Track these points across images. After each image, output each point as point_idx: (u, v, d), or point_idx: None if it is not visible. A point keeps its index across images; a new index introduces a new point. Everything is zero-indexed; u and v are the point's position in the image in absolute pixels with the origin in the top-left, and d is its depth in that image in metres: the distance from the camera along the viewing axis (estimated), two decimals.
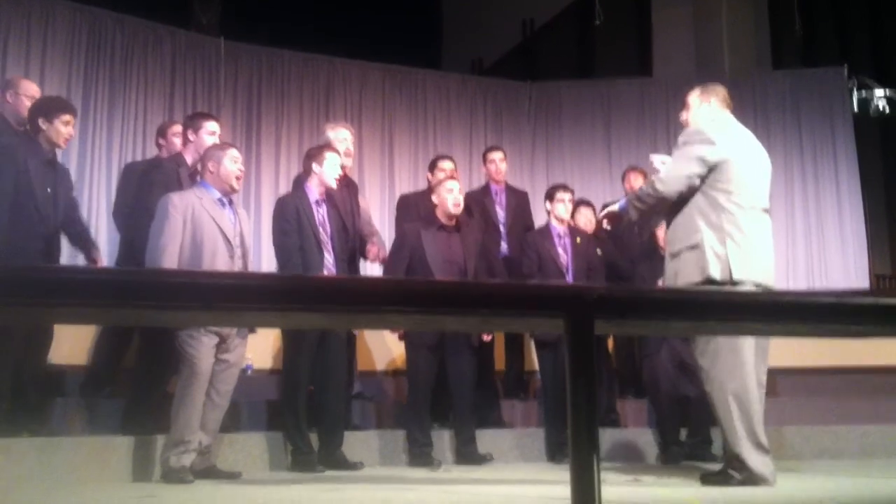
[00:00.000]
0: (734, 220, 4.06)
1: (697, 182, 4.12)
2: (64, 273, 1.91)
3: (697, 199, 4.13)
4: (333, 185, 5.28)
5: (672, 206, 4.24)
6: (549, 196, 6.14)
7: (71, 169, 7.22)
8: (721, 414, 4.02)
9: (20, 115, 5.05)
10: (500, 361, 6.62)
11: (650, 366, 5.85)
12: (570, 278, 5.89)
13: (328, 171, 5.25)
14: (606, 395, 6.29)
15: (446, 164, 6.30)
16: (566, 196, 6.04)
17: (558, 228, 6.04)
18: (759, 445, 3.95)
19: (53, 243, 4.96)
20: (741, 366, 3.99)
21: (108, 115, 7.63)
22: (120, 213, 5.70)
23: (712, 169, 4.11)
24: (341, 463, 5.13)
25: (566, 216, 6.04)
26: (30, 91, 5.22)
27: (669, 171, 4.22)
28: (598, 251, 6.18)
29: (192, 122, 5.36)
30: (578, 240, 6.04)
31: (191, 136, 5.25)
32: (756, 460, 3.92)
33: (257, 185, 8.44)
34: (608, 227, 4.63)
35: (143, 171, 5.38)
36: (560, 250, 5.98)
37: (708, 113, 4.34)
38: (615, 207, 4.45)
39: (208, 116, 5.52)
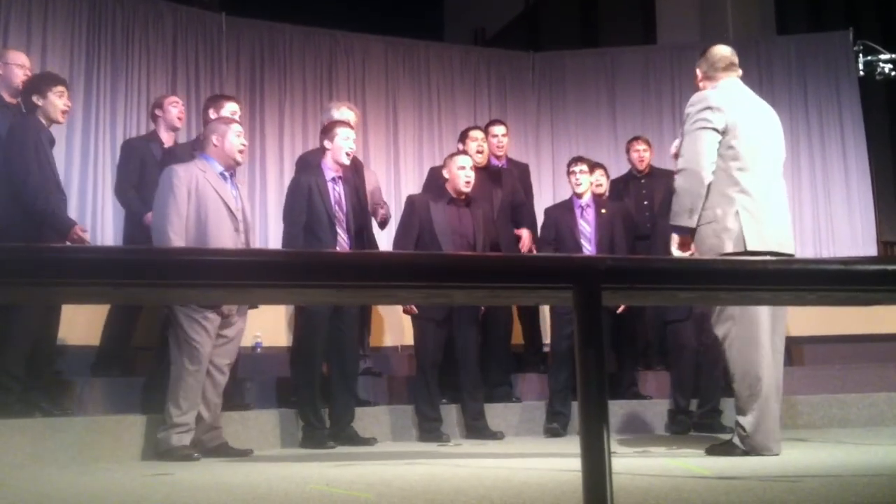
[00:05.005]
0: (746, 190, 4.02)
1: (714, 149, 4.04)
2: (75, 252, 1.92)
3: None
4: (345, 160, 5.26)
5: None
6: (567, 170, 6.16)
7: (75, 147, 7.26)
8: (734, 382, 4.03)
9: (12, 84, 5.00)
10: (518, 335, 6.63)
11: (674, 332, 5.87)
12: (593, 249, 5.90)
13: (340, 146, 5.24)
14: (629, 370, 6.32)
15: (476, 133, 6.32)
16: (579, 168, 6.04)
17: (579, 201, 6.04)
18: (767, 415, 3.95)
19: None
20: (755, 334, 3.99)
21: (111, 93, 7.60)
22: (122, 191, 5.69)
23: (723, 133, 4.07)
24: (353, 438, 5.16)
25: (583, 189, 6.03)
26: (18, 60, 5.14)
27: (686, 150, 4.11)
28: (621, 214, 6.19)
29: (213, 102, 5.40)
30: (603, 210, 6.05)
31: (212, 115, 5.25)
32: (761, 430, 3.93)
33: (262, 159, 8.42)
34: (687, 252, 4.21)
35: (159, 165, 5.37)
36: (582, 222, 6.00)
37: (702, 80, 4.31)
38: (674, 249, 4.16)
39: (230, 98, 5.57)
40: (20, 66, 5.09)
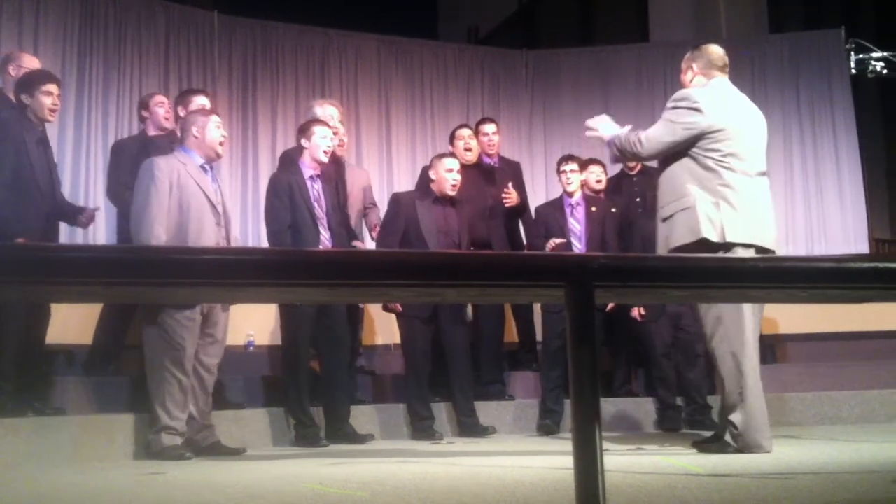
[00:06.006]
0: (727, 183, 4.03)
1: (676, 148, 4.10)
2: (66, 251, 1.91)
3: (688, 163, 4.10)
4: (323, 158, 5.27)
5: (662, 169, 4.24)
6: (557, 168, 6.17)
7: (67, 146, 7.23)
8: (722, 381, 4.04)
9: None
10: (511, 333, 6.64)
11: (648, 332, 5.91)
12: (583, 247, 5.91)
13: (317, 144, 5.24)
14: (622, 368, 6.34)
15: (464, 132, 6.33)
16: (569, 167, 6.05)
17: (570, 199, 6.05)
18: (757, 412, 3.97)
19: (52, 221, 4.95)
20: (741, 333, 3.99)
21: (103, 92, 7.59)
22: (114, 192, 5.69)
23: (701, 136, 4.07)
24: (350, 437, 5.17)
25: (573, 188, 6.04)
26: (31, 64, 5.21)
27: (653, 132, 4.19)
28: (613, 210, 6.18)
29: (182, 98, 5.36)
30: (594, 208, 6.06)
31: (181, 113, 5.23)
32: (753, 428, 3.94)
33: (254, 157, 8.40)
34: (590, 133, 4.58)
35: (139, 153, 5.35)
36: (572, 220, 6.00)
37: (698, 76, 4.31)
38: (604, 134, 4.45)
39: (198, 92, 5.52)
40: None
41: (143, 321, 4.61)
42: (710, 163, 4.06)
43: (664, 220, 4.16)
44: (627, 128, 4.39)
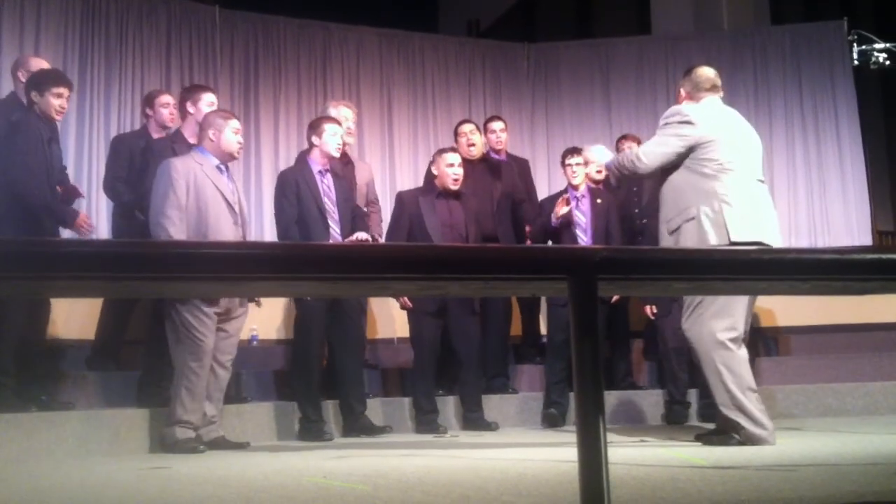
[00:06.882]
0: (726, 186, 4.08)
1: (675, 159, 4.17)
2: (69, 246, 1.91)
3: (686, 175, 4.17)
4: (335, 154, 5.29)
5: (661, 184, 4.30)
6: (561, 161, 6.16)
7: (70, 142, 7.23)
8: (711, 380, 4.05)
9: None
10: (516, 327, 6.64)
11: (659, 326, 5.91)
12: (589, 239, 5.91)
13: (328, 141, 5.26)
14: (624, 360, 6.34)
15: (465, 128, 6.33)
16: (574, 160, 6.04)
17: (575, 192, 6.05)
18: (753, 404, 3.97)
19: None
20: (727, 331, 4.01)
21: (105, 88, 7.59)
22: (110, 185, 5.68)
23: (695, 147, 4.13)
24: (368, 428, 5.20)
25: (578, 181, 6.03)
26: (41, 67, 5.20)
27: (649, 147, 4.28)
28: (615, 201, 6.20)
29: (190, 93, 5.33)
30: (599, 200, 6.05)
31: (190, 109, 5.20)
32: (756, 420, 3.94)
33: (257, 153, 8.41)
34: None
35: (142, 155, 5.33)
36: (578, 213, 6.00)
37: (685, 100, 4.39)
38: (601, 161, 4.67)
39: (206, 88, 5.50)
40: None
41: (159, 318, 4.61)
42: (707, 171, 4.12)
43: (671, 232, 4.19)
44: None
